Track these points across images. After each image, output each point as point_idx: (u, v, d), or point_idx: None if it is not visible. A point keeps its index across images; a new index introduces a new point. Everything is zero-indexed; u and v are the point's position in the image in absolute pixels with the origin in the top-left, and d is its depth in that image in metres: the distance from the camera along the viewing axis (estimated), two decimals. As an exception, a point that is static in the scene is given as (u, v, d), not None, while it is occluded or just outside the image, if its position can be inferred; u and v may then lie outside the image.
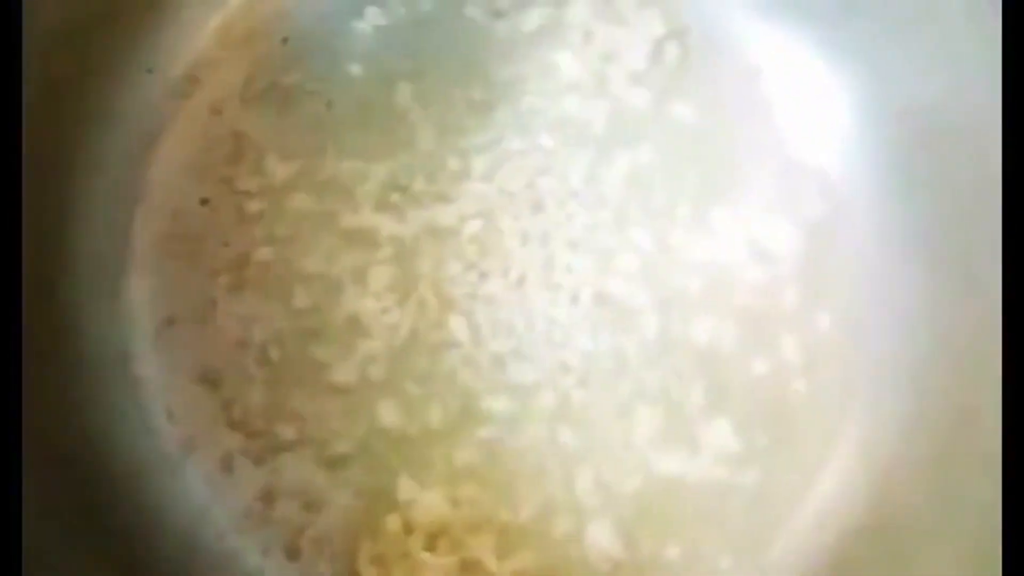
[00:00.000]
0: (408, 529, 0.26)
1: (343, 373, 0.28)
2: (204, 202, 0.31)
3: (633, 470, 0.28)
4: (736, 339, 0.29)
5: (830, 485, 0.28)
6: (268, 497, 0.27)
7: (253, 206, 0.30)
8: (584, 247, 0.30)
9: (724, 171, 0.31)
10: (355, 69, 0.32)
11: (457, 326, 0.29)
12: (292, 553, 0.26)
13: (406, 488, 0.27)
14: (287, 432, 0.28)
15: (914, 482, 0.27)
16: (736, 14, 0.32)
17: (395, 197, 0.30)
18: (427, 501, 0.27)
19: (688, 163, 0.31)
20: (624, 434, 0.28)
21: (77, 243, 0.28)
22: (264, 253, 0.30)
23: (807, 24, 0.31)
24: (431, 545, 0.26)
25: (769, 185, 0.31)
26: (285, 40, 0.33)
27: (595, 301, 0.29)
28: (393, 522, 0.27)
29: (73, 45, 0.29)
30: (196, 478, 0.27)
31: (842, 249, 0.30)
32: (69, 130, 0.29)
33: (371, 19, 0.33)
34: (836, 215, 0.30)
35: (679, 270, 0.30)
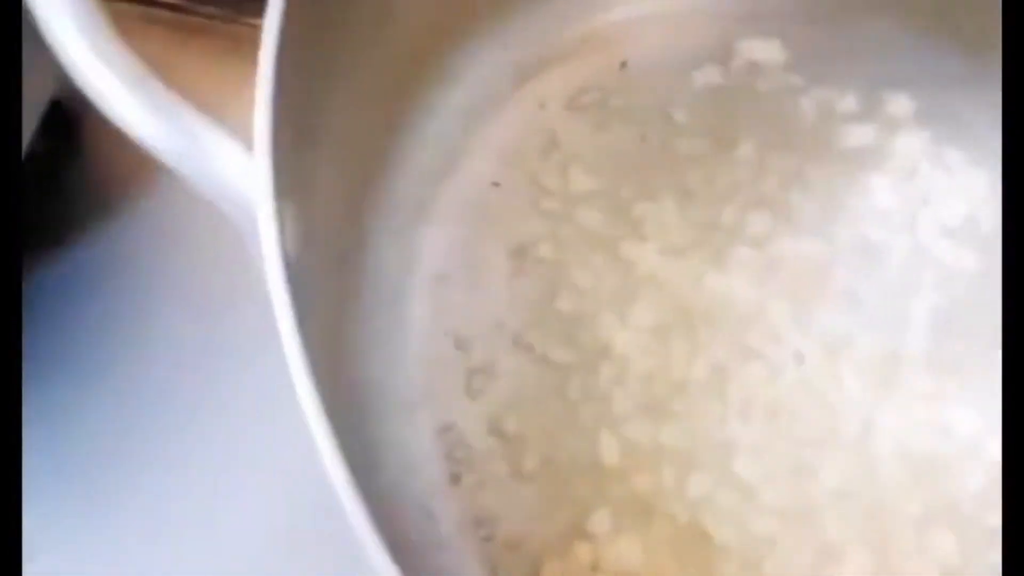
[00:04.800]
0: (595, 566, 0.26)
1: (577, 389, 0.28)
2: (495, 184, 0.32)
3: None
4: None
5: None
6: (473, 476, 0.27)
7: (547, 204, 0.31)
8: (865, 377, 0.29)
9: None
10: (678, 115, 0.33)
11: (701, 388, 0.28)
12: (485, 538, 0.26)
13: (601, 523, 0.27)
14: (509, 424, 0.28)
15: None
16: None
17: (681, 247, 0.31)
18: (620, 545, 0.26)
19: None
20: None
21: (393, 180, 0.30)
22: (544, 250, 0.30)
23: None
24: (613, 588, 0.26)
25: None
26: (623, 64, 0.33)
27: (860, 434, 0.28)
28: (583, 552, 0.26)
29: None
30: (423, 430, 0.27)
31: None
32: (422, 79, 0.30)
33: (708, 74, 0.33)
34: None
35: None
